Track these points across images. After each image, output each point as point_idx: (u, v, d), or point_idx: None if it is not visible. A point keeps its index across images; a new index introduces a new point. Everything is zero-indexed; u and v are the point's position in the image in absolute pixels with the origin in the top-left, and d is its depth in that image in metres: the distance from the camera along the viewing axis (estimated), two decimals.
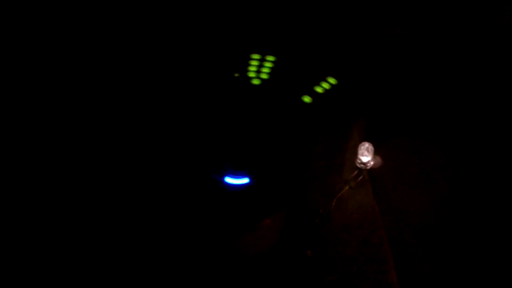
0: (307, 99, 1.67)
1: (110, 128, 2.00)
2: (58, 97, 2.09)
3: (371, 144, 1.72)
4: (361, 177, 1.75)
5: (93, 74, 2.18)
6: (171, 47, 2.27)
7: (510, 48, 2.37)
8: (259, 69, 1.80)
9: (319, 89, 1.70)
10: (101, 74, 2.19)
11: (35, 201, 1.75)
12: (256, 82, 1.74)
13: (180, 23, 2.36)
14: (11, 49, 2.18)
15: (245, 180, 1.52)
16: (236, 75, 1.77)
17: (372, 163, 1.74)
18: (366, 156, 1.72)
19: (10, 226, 1.68)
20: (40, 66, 2.17)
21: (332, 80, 1.65)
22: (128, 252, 1.61)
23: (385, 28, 2.43)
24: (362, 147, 1.72)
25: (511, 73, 2.28)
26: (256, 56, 1.82)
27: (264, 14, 2.42)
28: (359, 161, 1.74)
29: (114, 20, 2.35)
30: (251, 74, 1.78)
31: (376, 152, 1.75)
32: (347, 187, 1.73)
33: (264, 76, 1.76)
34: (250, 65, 1.80)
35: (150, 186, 1.77)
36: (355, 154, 1.77)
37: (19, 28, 2.24)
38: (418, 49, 2.37)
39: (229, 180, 1.52)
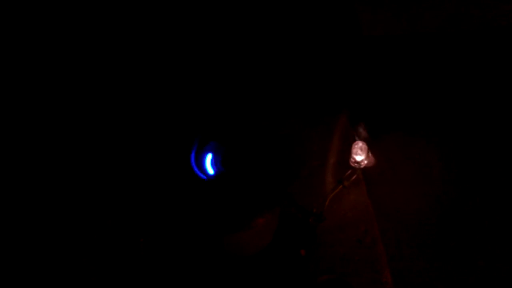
0: None
1: (99, 130, 2.00)
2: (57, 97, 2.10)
3: (364, 143, 1.72)
4: (355, 176, 1.75)
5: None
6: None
7: (508, 48, 2.37)
8: None
9: None
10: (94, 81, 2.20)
11: (31, 201, 1.75)
12: None
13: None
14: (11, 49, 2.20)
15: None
16: None
17: (365, 162, 1.74)
18: (359, 155, 1.72)
19: (8, 226, 1.68)
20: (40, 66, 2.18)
21: None
22: (121, 252, 1.61)
23: (380, 27, 2.43)
24: (356, 146, 1.72)
25: (509, 73, 2.28)
26: None
27: None
28: (353, 160, 1.74)
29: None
30: None
31: (370, 151, 1.75)
32: (341, 187, 1.73)
33: None
34: None
35: (142, 186, 1.77)
36: (349, 153, 1.77)
37: (19, 28, 2.26)
38: (413, 48, 2.37)
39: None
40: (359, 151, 1.71)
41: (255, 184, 1.57)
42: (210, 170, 1.65)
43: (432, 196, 1.84)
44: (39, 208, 1.73)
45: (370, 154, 1.75)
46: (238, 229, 1.55)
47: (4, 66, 2.16)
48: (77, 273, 1.58)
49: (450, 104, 2.16)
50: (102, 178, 1.82)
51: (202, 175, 1.60)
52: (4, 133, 1.96)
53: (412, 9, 2.50)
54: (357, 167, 1.74)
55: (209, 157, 1.62)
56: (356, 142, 1.72)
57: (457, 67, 2.30)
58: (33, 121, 2.01)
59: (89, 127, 2.00)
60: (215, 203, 1.55)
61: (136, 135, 1.96)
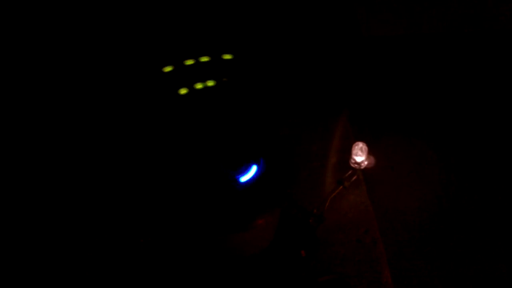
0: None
1: (100, 127, 2.00)
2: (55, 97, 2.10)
3: (365, 144, 1.72)
4: (355, 177, 1.75)
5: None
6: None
7: (508, 48, 2.38)
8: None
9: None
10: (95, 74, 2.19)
11: (30, 201, 1.75)
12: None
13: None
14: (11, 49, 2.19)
15: (253, 169, 1.46)
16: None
17: (366, 163, 1.74)
18: (360, 156, 1.72)
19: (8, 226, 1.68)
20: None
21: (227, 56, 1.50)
22: (121, 252, 1.61)
23: (380, 28, 2.43)
24: (356, 147, 1.72)
25: (508, 73, 2.28)
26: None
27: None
28: (353, 161, 1.74)
29: None
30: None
31: (370, 152, 1.75)
32: (341, 187, 1.73)
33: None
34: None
35: (143, 186, 1.77)
36: (349, 154, 1.77)
37: (19, 28, 2.25)
38: (413, 49, 2.38)
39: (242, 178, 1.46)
40: (360, 152, 1.71)
41: (255, 185, 1.56)
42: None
43: (432, 196, 1.85)
44: (39, 208, 1.73)
45: (370, 155, 1.75)
46: (238, 229, 1.54)
47: (4, 66, 2.15)
48: (77, 273, 1.57)
49: (449, 104, 2.17)
50: (103, 177, 1.81)
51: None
52: (4, 133, 1.95)
53: (411, 10, 2.51)
54: (357, 167, 1.74)
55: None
56: (356, 143, 1.71)
57: (457, 68, 2.30)
58: (34, 121, 2.01)
59: (90, 127, 2.00)
60: (212, 201, 1.54)
61: (135, 134, 1.96)
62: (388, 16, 2.47)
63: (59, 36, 2.18)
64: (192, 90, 1.63)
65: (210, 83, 1.52)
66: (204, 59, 1.63)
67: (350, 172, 1.75)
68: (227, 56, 1.62)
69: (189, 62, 1.59)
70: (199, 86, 1.56)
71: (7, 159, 1.87)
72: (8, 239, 1.65)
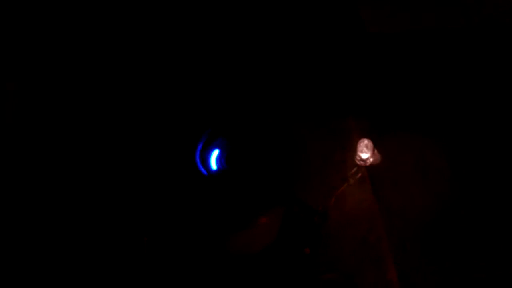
0: None
1: (102, 129, 1.98)
2: (55, 98, 2.08)
3: (370, 141, 1.71)
4: (360, 175, 1.74)
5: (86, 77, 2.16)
6: None
7: (510, 47, 2.35)
8: None
9: None
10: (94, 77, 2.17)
11: (33, 201, 1.74)
12: None
13: None
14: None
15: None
16: None
17: (371, 160, 1.73)
18: (365, 153, 1.70)
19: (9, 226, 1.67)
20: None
21: None
22: (125, 250, 1.60)
23: (383, 25, 2.41)
24: (362, 143, 1.71)
25: (511, 72, 2.26)
26: None
27: None
28: (359, 158, 1.73)
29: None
30: None
31: (375, 149, 1.73)
32: (346, 185, 1.72)
33: None
34: None
35: (147, 185, 1.76)
36: (354, 151, 1.76)
37: (19, 28, 2.22)
38: (418, 46, 2.35)
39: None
40: (365, 149, 1.69)
41: (258, 183, 1.56)
42: (214, 166, 1.62)
43: (436, 194, 1.84)
44: (42, 208, 1.72)
45: (376, 152, 1.74)
46: (241, 227, 1.54)
47: (4, 67, 2.13)
48: (80, 271, 1.57)
49: (454, 102, 2.15)
50: (106, 176, 1.80)
51: (204, 171, 1.57)
52: (6, 133, 1.94)
53: (413, 5, 2.48)
54: (363, 164, 1.72)
55: (215, 153, 1.58)
56: (362, 139, 1.70)
57: (460, 65, 2.28)
58: (37, 122, 1.99)
59: (91, 126, 1.98)
60: (216, 201, 1.54)
61: (139, 133, 1.94)
62: (390, 11, 2.44)
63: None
64: None
65: None
66: None
67: (355, 169, 1.73)
68: None
69: None
70: None
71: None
72: (9, 239, 1.64)
